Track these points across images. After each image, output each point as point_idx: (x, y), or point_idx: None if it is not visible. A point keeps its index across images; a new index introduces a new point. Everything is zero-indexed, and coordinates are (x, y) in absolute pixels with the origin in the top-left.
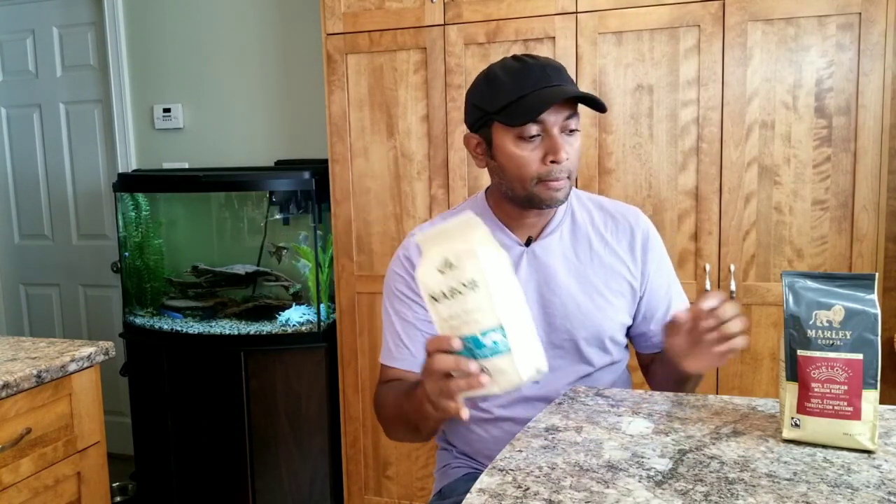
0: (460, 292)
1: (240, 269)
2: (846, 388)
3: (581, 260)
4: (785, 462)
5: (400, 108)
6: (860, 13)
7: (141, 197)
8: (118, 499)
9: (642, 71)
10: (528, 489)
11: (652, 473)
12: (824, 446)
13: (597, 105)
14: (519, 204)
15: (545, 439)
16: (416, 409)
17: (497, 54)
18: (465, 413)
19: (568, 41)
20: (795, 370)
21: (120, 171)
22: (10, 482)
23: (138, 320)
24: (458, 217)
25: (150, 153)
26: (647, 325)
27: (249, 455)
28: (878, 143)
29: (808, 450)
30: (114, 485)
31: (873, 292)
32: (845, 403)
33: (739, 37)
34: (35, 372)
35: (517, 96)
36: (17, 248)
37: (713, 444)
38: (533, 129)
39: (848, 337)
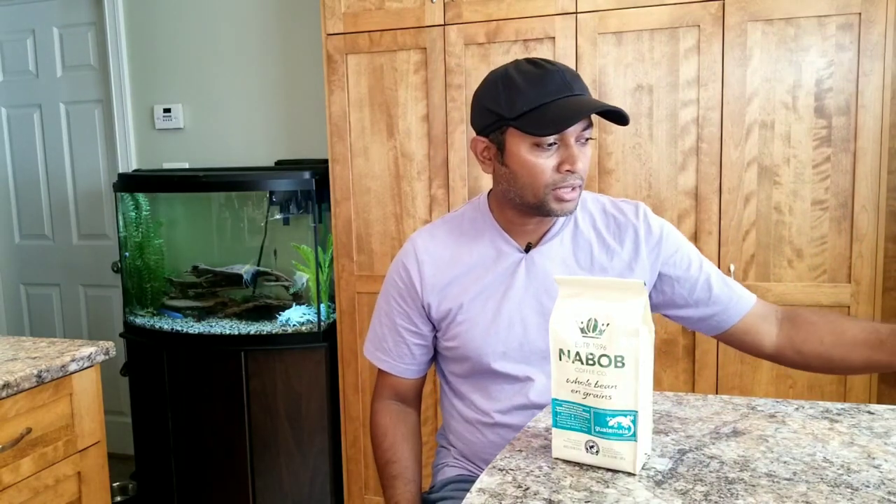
0: (601, 364)
1: (240, 269)
2: None
3: (581, 265)
4: (785, 462)
5: (400, 108)
6: (860, 13)
7: (141, 197)
8: (118, 499)
9: (642, 71)
10: (528, 489)
11: (652, 473)
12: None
13: (622, 119)
14: (526, 211)
15: (545, 439)
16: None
17: (497, 54)
18: None
19: (568, 41)
20: None
21: (120, 171)
22: (10, 482)
23: (138, 320)
24: (626, 280)
25: (150, 153)
26: (699, 308)
27: (249, 455)
28: (878, 143)
29: (808, 449)
30: (114, 485)
31: None
32: None
33: (739, 37)
34: (35, 372)
35: (539, 104)
36: (17, 248)
37: (713, 444)
38: (552, 137)
39: None
